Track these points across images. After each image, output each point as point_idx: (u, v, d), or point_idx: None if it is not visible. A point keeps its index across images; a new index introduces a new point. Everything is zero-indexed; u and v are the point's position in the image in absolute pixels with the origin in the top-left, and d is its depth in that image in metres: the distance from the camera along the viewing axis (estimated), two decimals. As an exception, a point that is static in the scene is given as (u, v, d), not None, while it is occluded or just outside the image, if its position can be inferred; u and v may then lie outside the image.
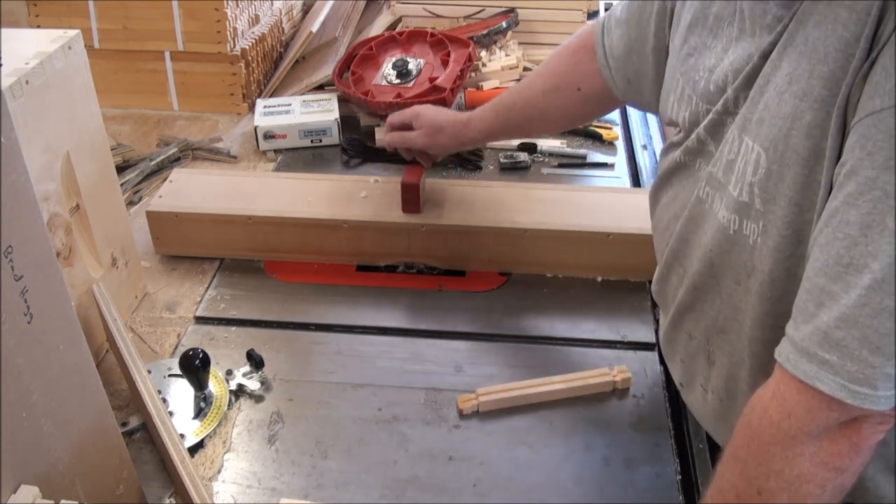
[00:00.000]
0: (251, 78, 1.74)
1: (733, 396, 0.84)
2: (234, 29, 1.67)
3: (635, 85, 1.02)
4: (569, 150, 1.56)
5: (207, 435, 0.99)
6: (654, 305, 1.21)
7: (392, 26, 1.86)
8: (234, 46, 1.68)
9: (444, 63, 1.61)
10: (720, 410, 0.87)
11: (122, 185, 1.37)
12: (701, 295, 0.85)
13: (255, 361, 1.06)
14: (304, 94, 1.71)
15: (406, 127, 1.25)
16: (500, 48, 1.76)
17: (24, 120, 0.89)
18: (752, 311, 0.78)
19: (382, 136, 1.58)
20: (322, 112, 1.60)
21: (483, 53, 1.73)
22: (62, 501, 0.68)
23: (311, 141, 1.59)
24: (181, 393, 1.03)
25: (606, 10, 2.25)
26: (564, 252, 1.24)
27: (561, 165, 1.53)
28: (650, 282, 1.24)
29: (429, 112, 1.24)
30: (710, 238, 0.81)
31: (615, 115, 1.72)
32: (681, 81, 0.86)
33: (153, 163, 1.52)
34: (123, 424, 0.99)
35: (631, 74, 1.01)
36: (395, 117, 1.27)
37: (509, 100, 1.18)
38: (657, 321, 1.19)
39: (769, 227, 0.73)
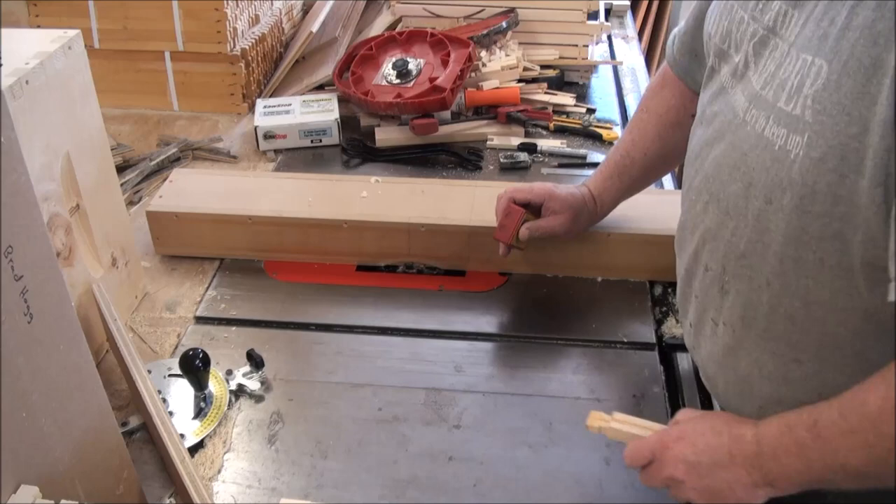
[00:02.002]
0: (251, 78, 1.74)
1: (749, 325, 0.85)
2: (234, 29, 1.67)
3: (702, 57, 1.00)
4: (569, 150, 1.56)
5: (207, 435, 0.99)
6: (654, 305, 1.21)
7: (392, 26, 1.86)
8: (234, 46, 1.68)
9: (444, 63, 1.61)
10: (731, 343, 0.88)
11: (122, 185, 1.37)
12: (725, 220, 0.86)
13: (255, 361, 1.06)
14: (304, 94, 1.71)
15: (528, 202, 1.17)
16: (500, 48, 1.76)
17: (24, 120, 0.89)
18: (785, 228, 0.78)
19: (382, 137, 1.59)
20: (322, 112, 1.60)
21: (483, 53, 1.73)
22: (62, 501, 0.67)
23: (311, 141, 1.59)
24: (181, 393, 1.03)
25: (607, 10, 2.27)
26: (564, 252, 1.24)
27: (561, 165, 1.53)
28: (650, 282, 1.25)
29: (561, 193, 1.16)
30: (752, 158, 0.81)
31: (615, 115, 1.72)
32: None
33: (153, 163, 1.52)
34: (123, 424, 0.99)
35: (699, 49, 0.99)
36: (520, 194, 1.17)
37: (625, 160, 1.14)
38: (657, 321, 1.19)
39: (816, 139, 0.74)
